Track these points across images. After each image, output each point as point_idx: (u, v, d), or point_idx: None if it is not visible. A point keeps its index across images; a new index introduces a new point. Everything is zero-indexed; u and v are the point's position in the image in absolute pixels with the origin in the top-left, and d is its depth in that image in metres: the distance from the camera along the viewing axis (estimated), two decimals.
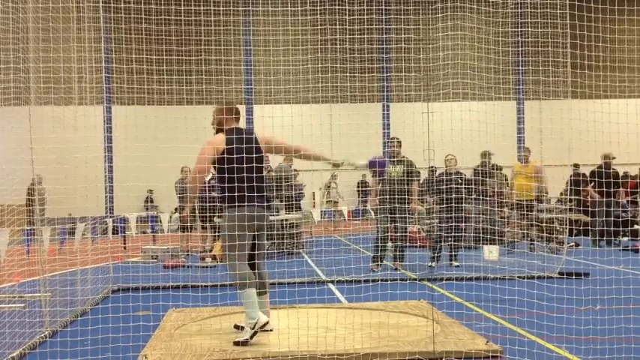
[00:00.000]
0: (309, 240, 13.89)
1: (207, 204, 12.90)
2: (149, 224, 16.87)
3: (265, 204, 5.90)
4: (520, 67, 24.17)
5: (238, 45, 24.84)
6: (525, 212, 12.07)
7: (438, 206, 10.89)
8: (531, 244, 12.21)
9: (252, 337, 5.53)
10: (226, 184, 5.62)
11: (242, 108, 23.93)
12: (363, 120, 21.27)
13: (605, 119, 7.67)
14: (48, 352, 5.42)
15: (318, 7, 10.61)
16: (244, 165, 5.67)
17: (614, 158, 13.51)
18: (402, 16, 12.29)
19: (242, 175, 5.64)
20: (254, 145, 5.83)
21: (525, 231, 12.02)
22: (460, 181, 10.77)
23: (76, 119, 7.80)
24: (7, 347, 5.38)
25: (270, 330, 5.87)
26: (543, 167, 13.02)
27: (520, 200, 12.15)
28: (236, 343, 5.51)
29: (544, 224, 11.38)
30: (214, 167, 5.84)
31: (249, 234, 5.71)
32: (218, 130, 5.97)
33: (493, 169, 13.58)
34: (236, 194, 5.61)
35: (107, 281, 8.85)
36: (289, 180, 12.94)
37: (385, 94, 26.12)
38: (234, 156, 5.68)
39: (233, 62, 23.00)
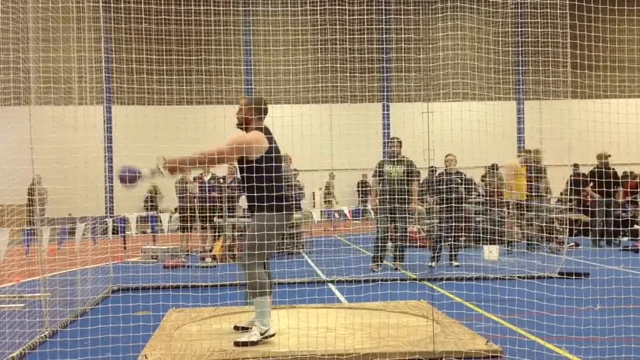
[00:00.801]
0: (309, 240, 13.88)
1: (207, 204, 12.90)
2: (149, 224, 16.86)
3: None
4: (520, 67, 24.17)
5: (238, 45, 24.83)
6: (524, 212, 12.07)
7: (438, 206, 10.89)
8: (529, 244, 12.20)
9: (257, 342, 5.51)
10: (275, 184, 5.47)
11: None
12: (363, 120, 21.26)
13: (605, 119, 7.66)
14: (48, 352, 5.42)
15: (318, 7, 10.60)
16: (278, 164, 5.71)
17: (609, 156, 13.50)
18: (402, 16, 12.28)
19: (281, 175, 5.65)
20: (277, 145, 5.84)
21: (525, 231, 12.01)
22: (460, 181, 10.76)
23: (76, 119, 7.79)
24: (7, 347, 5.38)
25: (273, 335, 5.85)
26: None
27: (520, 200, 12.15)
28: (237, 344, 5.49)
29: (544, 224, 11.36)
30: (242, 164, 5.56)
31: (277, 234, 5.69)
32: (244, 124, 5.74)
33: (493, 169, 13.59)
34: (283, 194, 5.56)
35: (107, 281, 8.84)
36: (289, 180, 12.94)
37: (385, 94, 26.12)
38: (274, 155, 5.66)
39: (233, 62, 23.00)
